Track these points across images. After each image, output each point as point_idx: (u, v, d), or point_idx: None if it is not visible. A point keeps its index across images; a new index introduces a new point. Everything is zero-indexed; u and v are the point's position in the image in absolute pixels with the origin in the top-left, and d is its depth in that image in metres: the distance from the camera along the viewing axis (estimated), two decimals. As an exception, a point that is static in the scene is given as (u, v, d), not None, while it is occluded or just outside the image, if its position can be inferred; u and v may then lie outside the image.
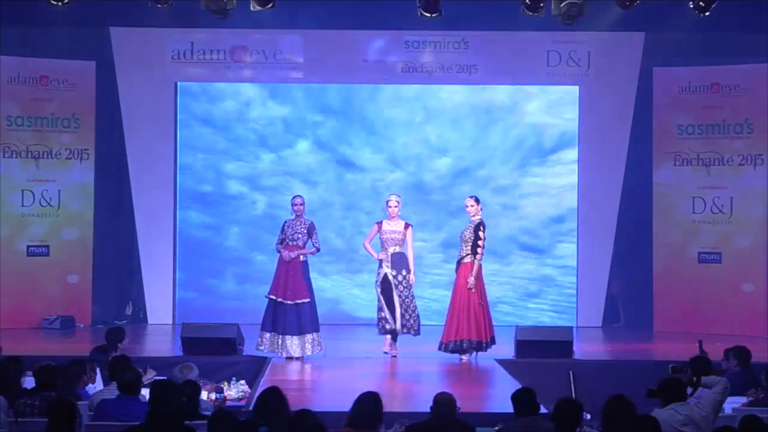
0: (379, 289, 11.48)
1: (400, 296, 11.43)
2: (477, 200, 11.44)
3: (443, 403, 6.47)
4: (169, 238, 14.52)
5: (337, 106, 14.82)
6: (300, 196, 11.46)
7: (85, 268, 14.25)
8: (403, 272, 11.47)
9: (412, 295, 11.52)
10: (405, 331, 11.44)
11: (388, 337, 11.45)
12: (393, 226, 11.57)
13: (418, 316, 11.50)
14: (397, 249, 11.51)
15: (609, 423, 5.89)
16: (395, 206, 11.58)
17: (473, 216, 11.36)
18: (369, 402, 6.12)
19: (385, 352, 11.39)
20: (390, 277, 11.43)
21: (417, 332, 11.49)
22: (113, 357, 8.56)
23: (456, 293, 11.33)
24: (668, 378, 6.74)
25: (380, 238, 11.59)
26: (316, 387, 10.25)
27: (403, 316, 11.39)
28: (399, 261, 11.51)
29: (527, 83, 14.67)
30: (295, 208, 11.32)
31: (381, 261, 11.54)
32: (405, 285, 11.45)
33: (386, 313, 11.40)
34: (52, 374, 7.27)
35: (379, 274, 11.54)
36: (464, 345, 11.21)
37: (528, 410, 6.42)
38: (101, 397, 7.20)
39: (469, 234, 11.33)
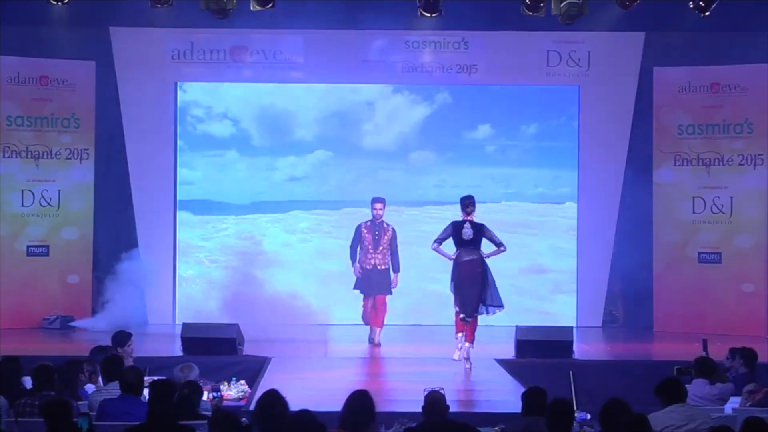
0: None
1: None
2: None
3: (433, 403, 6.25)
4: (169, 237, 14.51)
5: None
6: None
7: (85, 268, 14.25)
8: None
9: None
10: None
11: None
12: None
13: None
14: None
15: (607, 426, 5.89)
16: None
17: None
18: (359, 401, 5.96)
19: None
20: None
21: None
22: (104, 358, 8.52)
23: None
24: (668, 378, 6.74)
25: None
26: (315, 387, 10.23)
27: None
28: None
29: (527, 83, 14.66)
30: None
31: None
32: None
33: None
34: (48, 374, 7.26)
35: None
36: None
37: (536, 410, 6.27)
38: (103, 397, 7.19)
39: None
